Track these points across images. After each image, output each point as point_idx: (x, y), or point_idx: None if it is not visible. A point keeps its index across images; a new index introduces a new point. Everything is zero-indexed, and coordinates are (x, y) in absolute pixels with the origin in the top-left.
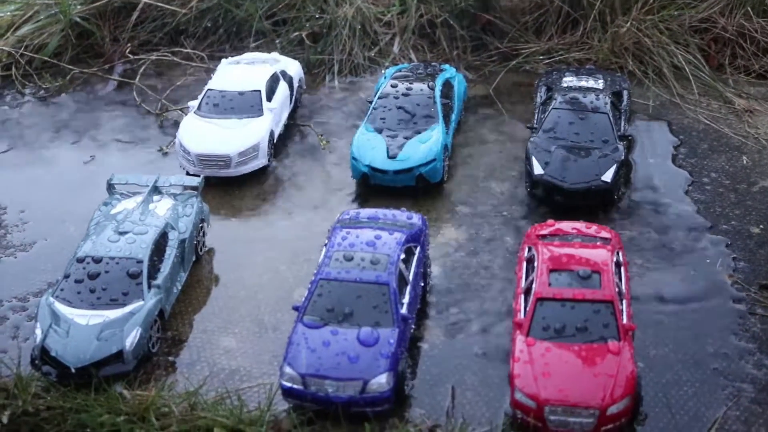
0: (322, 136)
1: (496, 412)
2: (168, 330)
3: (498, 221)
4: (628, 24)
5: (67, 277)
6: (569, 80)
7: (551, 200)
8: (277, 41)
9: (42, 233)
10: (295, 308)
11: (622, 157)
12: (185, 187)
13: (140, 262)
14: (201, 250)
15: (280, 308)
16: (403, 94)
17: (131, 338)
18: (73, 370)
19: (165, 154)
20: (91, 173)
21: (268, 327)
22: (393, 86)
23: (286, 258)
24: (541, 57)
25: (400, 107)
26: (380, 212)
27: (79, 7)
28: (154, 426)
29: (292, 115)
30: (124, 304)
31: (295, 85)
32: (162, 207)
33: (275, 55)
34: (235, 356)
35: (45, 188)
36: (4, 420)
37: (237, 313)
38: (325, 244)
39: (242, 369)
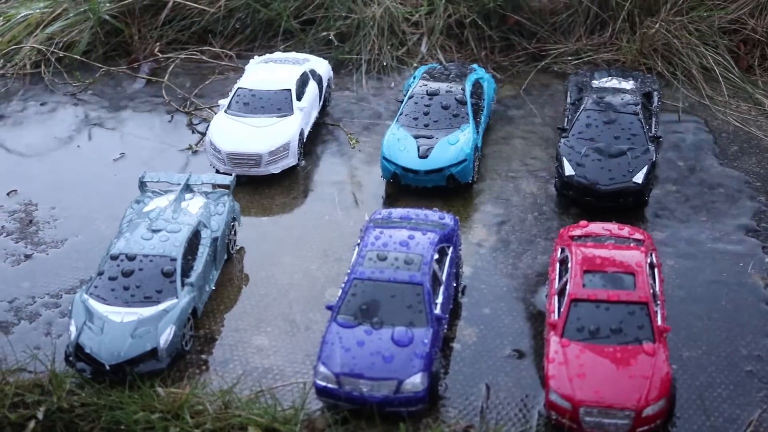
0: (351, 135)
1: (529, 413)
2: (200, 328)
3: (528, 222)
4: (657, 25)
5: (101, 274)
6: (600, 81)
7: (582, 201)
8: (305, 41)
9: (73, 230)
10: (329, 308)
11: (654, 158)
12: (216, 186)
13: (174, 260)
14: (232, 249)
15: (311, 307)
16: (433, 94)
17: (165, 336)
18: (107, 367)
19: (195, 152)
20: (121, 170)
21: (300, 326)
22: (423, 86)
23: (316, 257)
24: (569, 58)
25: (430, 107)
26: (412, 212)
27: (108, 5)
28: (188, 423)
29: (321, 115)
30: (158, 302)
31: (325, 84)
32: (194, 205)
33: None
34: (267, 355)
35: (75, 185)
36: (39, 416)
37: (269, 311)
38: (358, 244)
39: (275, 368)
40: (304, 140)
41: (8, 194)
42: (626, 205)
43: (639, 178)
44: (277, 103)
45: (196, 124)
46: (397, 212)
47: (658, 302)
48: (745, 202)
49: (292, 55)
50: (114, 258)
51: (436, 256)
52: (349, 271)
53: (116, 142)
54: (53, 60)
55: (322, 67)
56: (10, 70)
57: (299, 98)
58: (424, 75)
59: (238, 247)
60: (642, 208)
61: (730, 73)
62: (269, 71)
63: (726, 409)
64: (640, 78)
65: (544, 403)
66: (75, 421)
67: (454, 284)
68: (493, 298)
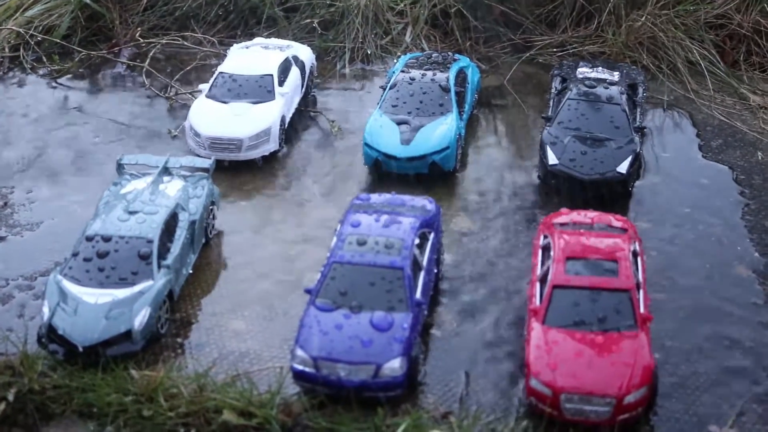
0: (333, 122)
1: (510, 399)
2: (177, 312)
3: (510, 210)
4: (643, 18)
5: (75, 255)
6: (584, 71)
7: (565, 190)
8: (289, 28)
9: (49, 213)
10: (308, 291)
11: (638, 149)
12: (195, 169)
13: (150, 241)
14: (211, 233)
15: (290, 292)
16: (417, 82)
17: (140, 318)
18: (80, 349)
19: (174, 137)
20: (99, 154)
21: (278, 311)
22: (407, 73)
23: (296, 242)
24: (554, 49)
25: (413, 94)
26: (394, 197)
27: None
28: (162, 406)
29: (303, 101)
30: (133, 284)
31: (307, 71)
32: (172, 188)
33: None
34: (244, 339)
35: (52, 168)
36: (10, 398)
37: (246, 296)
38: (337, 229)
39: (252, 352)
40: (286, 126)
41: None
42: (610, 195)
43: (623, 167)
44: (259, 89)
45: (176, 109)
46: (379, 197)
47: (641, 290)
48: (729, 195)
49: (275, 40)
50: (89, 239)
51: (417, 241)
52: (329, 255)
53: (95, 126)
54: (32, 43)
55: (305, 53)
56: None
57: (281, 84)
58: (409, 62)
59: (217, 231)
60: (626, 197)
61: (715, 68)
62: (251, 56)
63: (708, 398)
64: (626, 69)
65: (525, 390)
66: (46, 403)
67: (435, 270)
68: (474, 286)
